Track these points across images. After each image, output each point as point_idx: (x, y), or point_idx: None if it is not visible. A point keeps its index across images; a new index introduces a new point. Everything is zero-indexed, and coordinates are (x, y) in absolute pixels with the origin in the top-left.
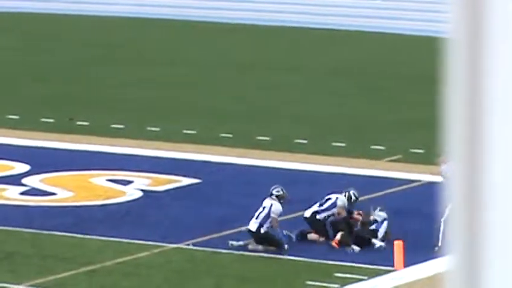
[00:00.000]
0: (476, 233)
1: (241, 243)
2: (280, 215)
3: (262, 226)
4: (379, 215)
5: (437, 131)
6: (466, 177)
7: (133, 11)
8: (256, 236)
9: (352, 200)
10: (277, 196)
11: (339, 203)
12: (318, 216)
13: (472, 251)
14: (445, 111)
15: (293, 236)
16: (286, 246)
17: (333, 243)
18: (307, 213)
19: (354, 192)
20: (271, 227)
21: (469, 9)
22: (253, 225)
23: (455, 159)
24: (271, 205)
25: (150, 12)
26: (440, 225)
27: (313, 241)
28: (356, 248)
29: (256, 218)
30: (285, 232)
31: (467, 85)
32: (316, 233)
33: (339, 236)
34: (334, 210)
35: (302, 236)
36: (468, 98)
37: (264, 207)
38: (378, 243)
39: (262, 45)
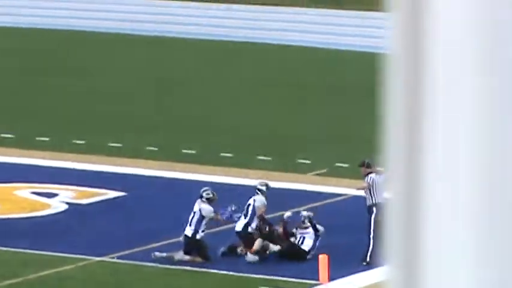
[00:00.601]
0: (413, 247)
1: (164, 255)
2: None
3: (198, 232)
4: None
5: (363, 145)
6: (404, 192)
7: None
8: (191, 241)
9: (266, 189)
10: (207, 199)
11: (257, 204)
12: (249, 229)
13: (409, 266)
14: (382, 126)
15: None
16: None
17: (249, 252)
18: (239, 227)
19: (259, 182)
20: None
21: (408, 24)
22: (188, 231)
23: (392, 175)
24: (200, 209)
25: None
26: (368, 240)
27: (243, 254)
28: (252, 257)
29: (190, 225)
30: (233, 208)
31: (404, 99)
32: (246, 246)
33: (255, 245)
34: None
35: (231, 251)
36: (406, 114)
37: (194, 212)
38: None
39: (182, 58)
